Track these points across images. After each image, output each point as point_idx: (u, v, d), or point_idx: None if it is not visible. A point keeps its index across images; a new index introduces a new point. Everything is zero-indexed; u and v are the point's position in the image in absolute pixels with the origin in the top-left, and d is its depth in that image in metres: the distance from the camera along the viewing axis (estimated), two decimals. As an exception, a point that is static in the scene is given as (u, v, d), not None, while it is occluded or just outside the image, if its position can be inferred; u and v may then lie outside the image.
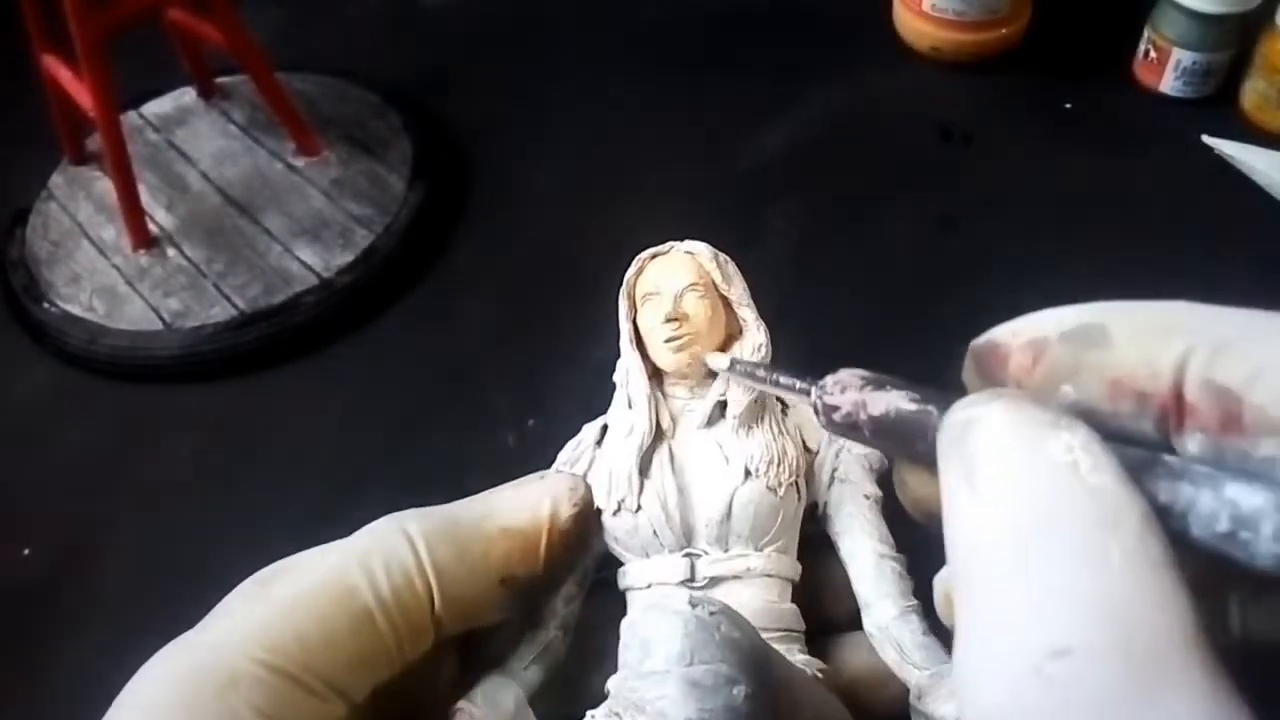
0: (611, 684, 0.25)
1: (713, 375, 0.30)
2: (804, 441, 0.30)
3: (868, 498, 0.30)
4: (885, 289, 0.73)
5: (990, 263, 0.73)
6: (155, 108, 0.92)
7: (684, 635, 0.22)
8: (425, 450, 0.67)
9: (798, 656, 0.27)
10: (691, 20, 0.97)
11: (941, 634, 0.27)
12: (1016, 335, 0.17)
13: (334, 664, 0.20)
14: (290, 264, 0.77)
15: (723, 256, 0.31)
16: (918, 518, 0.19)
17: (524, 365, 0.70)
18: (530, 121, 0.89)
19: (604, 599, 0.29)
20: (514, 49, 0.97)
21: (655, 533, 0.28)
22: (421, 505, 0.23)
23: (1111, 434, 0.15)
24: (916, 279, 0.73)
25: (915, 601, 0.28)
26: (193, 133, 0.90)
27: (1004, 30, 0.87)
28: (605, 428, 0.31)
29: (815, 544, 0.30)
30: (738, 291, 0.31)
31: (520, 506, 0.23)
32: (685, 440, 0.30)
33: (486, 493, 0.24)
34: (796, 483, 0.29)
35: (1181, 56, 0.80)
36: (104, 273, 0.79)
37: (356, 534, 0.22)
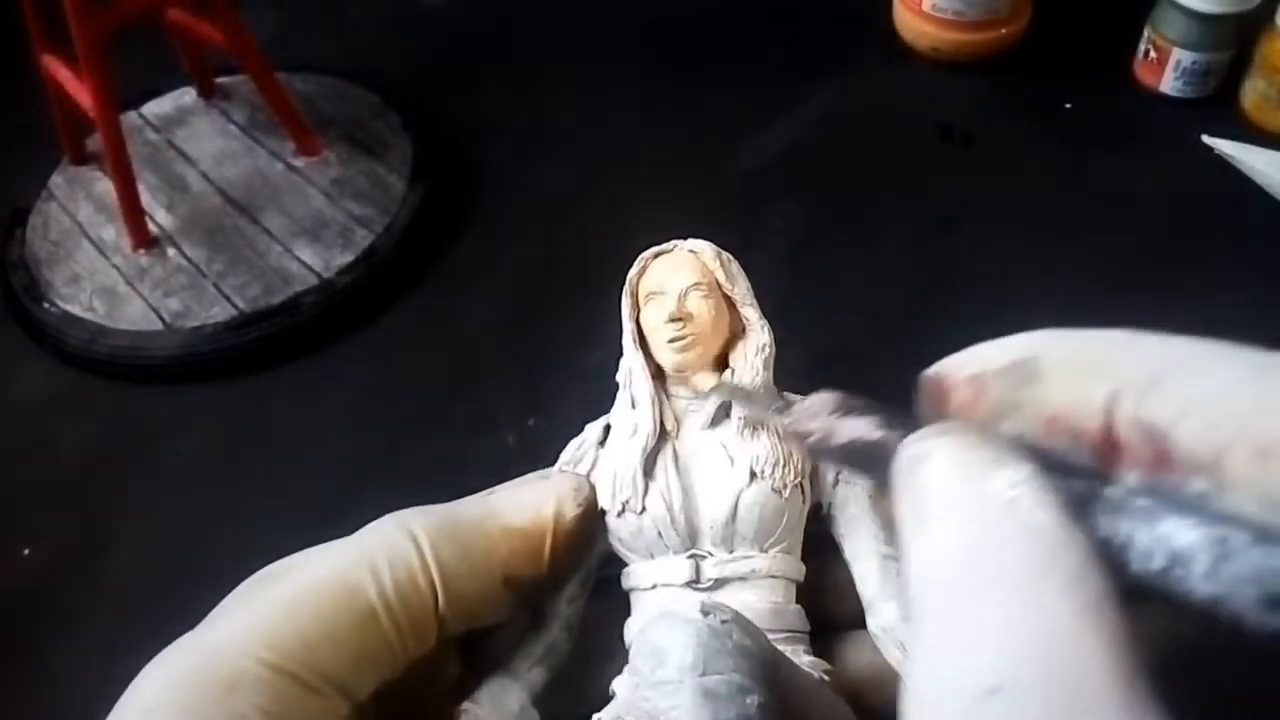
0: (617, 687, 0.25)
1: (716, 374, 0.30)
2: None
3: (872, 498, 0.30)
4: (885, 289, 0.73)
5: (990, 263, 0.73)
6: (155, 108, 0.92)
7: (697, 644, 0.22)
8: (425, 450, 0.67)
9: (804, 658, 0.27)
10: (691, 20, 0.97)
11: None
12: (960, 369, 0.17)
13: (338, 663, 0.19)
14: (290, 264, 0.77)
15: (726, 255, 0.31)
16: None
17: (524, 365, 0.70)
18: (530, 121, 0.89)
19: (607, 598, 0.29)
20: (514, 49, 0.97)
21: (660, 534, 0.28)
22: (422, 505, 0.23)
23: (1056, 465, 0.15)
24: (916, 279, 0.73)
25: None
26: (193, 133, 0.90)
27: (1004, 30, 0.87)
28: (608, 427, 0.31)
29: (819, 544, 0.30)
30: (741, 291, 0.31)
31: (524, 506, 0.23)
32: (689, 441, 0.30)
33: (490, 491, 0.24)
34: (801, 484, 0.29)
35: (1181, 56, 0.80)
36: (104, 273, 0.79)
37: (360, 533, 0.22)
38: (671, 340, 0.30)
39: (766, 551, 0.28)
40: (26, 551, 0.65)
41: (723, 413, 0.30)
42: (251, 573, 0.22)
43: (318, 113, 0.88)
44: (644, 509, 0.28)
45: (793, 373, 0.33)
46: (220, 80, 0.92)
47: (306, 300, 0.75)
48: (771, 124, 0.85)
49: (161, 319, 0.75)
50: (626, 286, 0.31)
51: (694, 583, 0.28)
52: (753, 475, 0.28)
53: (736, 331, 0.31)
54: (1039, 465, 0.15)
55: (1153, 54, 0.82)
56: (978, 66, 0.88)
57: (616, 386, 0.31)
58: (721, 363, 0.31)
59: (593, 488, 0.24)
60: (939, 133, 0.84)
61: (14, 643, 0.61)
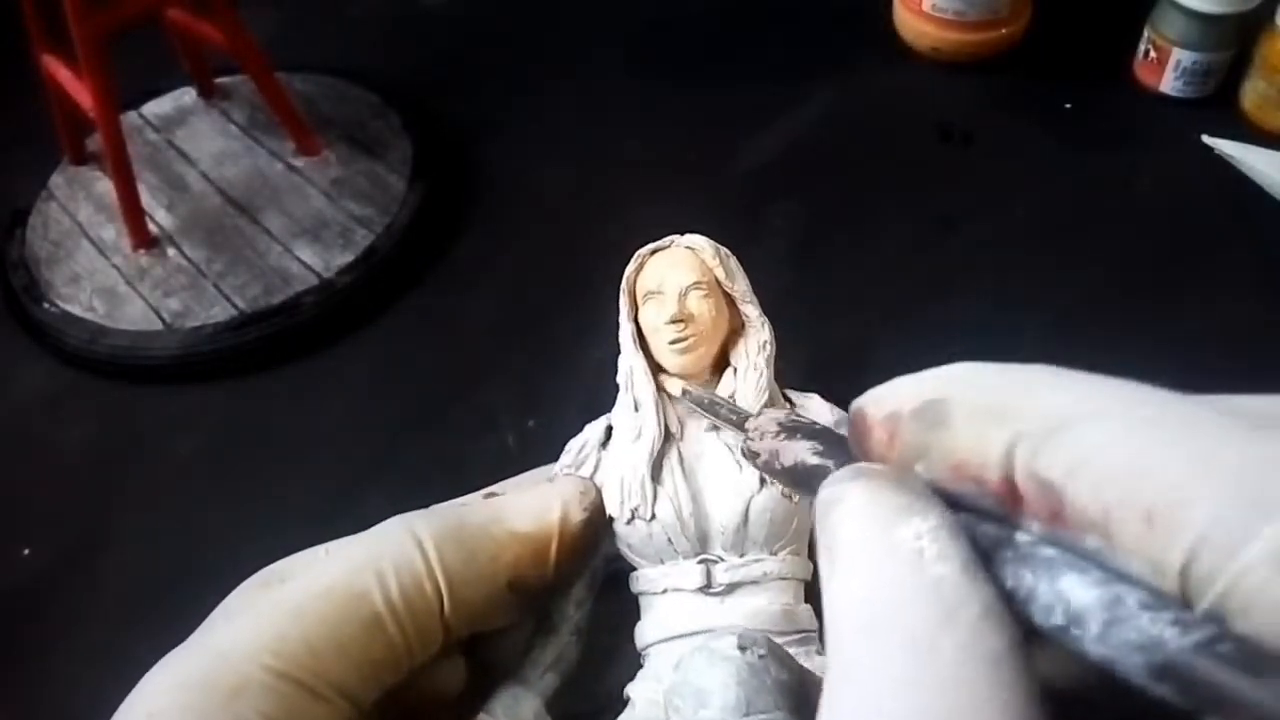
0: (632, 692, 0.25)
1: (718, 374, 0.30)
2: None
3: None
4: (885, 289, 0.73)
5: (990, 263, 0.73)
6: (155, 108, 0.92)
7: (738, 684, 0.22)
8: (425, 450, 0.67)
9: (815, 660, 0.27)
10: (691, 20, 0.97)
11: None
12: (879, 406, 0.17)
13: (343, 669, 0.19)
14: (290, 264, 0.77)
15: (724, 251, 0.31)
16: None
17: (524, 365, 0.70)
18: (530, 121, 0.89)
19: (613, 599, 0.29)
20: (514, 49, 0.97)
21: (670, 540, 0.28)
22: (422, 506, 0.23)
23: (970, 508, 0.15)
24: (916, 279, 0.73)
25: None
26: (193, 133, 0.90)
27: (1004, 30, 0.87)
28: (609, 429, 0.31)
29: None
30: (741, 287, 0.31)
31: (530, 510, 0.23)
32: (694, 443, 0.29)
33: (493, 489, 0.23)
34: None
35: (1181, 56, 0.80)
36: (104, 273, 0.79)
37: (364, 536, 0.22)
38: (673, 342, 0.29)
39: (776, 554, 0.28)
40: (26, 551, 0.65)
41: None
42: (251, 573, 0.22)
43: (318, 113, 0.88)
44: (653, 516, 0.28)
45: (793, 372, 0.33)
46: (220, 80, 0.92)
47: (306, 300, 0.75)
48: (771, 124, 0.85)
49: (161, 319, 0.75)
50: (624, 284, 0.31)
51: (706, 588, 0.28)
52: (763, 480, 0.28)
53: (736, 329, 0.31)
54: (951, 510, 0.15)
55: (1153, 54, 0.82)
56: (978, 66, 0.88)
57: (617, 388, 0.31)
58: (722, 362, 0.31)
59: (598, 491, 0.24)
60: (939, 133, 0.84)
61: (14, 643, 0.61)
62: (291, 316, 0.74)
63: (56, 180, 0.87)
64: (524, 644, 0.26)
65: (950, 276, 0.73)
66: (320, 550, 0.22)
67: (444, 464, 0.65)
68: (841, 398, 0.31)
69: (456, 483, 0.25)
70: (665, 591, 0.28)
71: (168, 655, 0.19)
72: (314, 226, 0.80)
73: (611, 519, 0.28)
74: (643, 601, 0.29)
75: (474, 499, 0.25)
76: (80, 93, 0.75)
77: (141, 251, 0.80)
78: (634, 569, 0.29)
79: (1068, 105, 0.85)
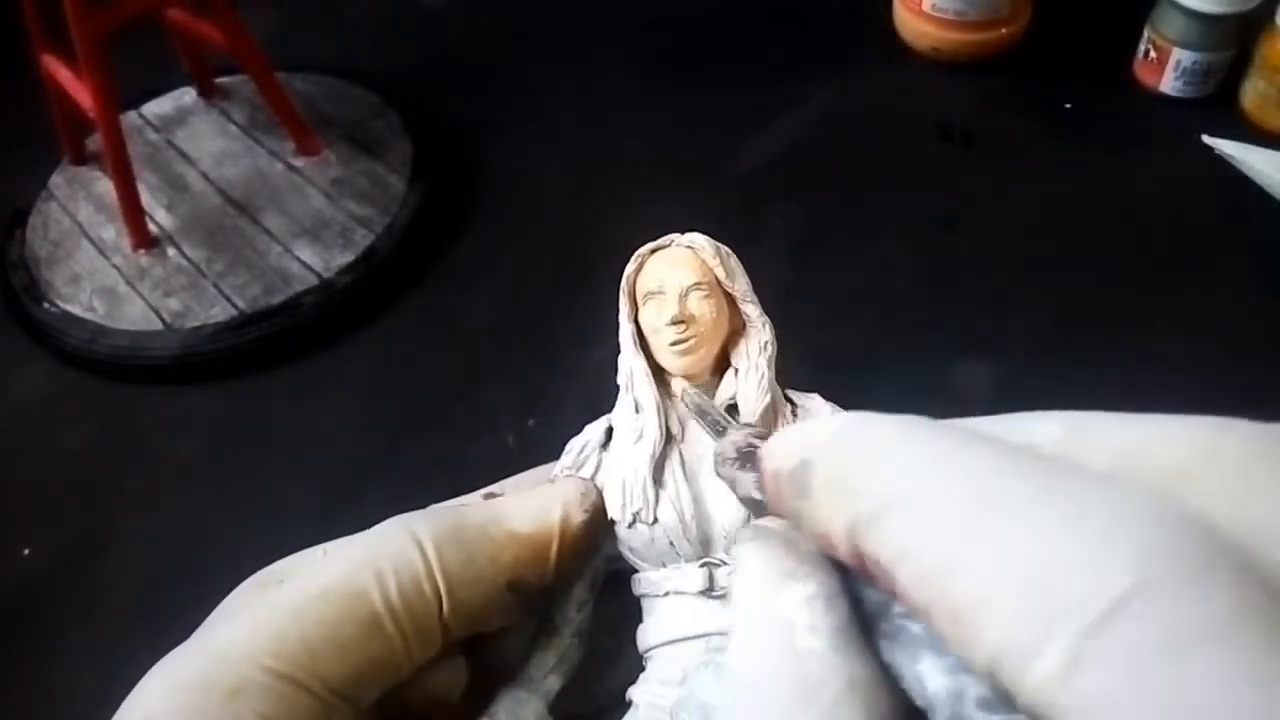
0: (634, 695, 0.25)
1: (719, 375, 0.30)
2: None
3: None
4: (885, 289, 0.73)
5: (990, 263, 0.73)
6: (155, 108, 0.92)
7: None
8: (425, 450, 0.67)
9: None
10: (691, 20, 0.97)
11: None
12: (771, 459, 0.16)
13: (342, 671, 0.19)
14: (290, 264, 0.77)
15: (725, 249, 0.31)
16: None
17: (524, 365, 0.70)
18: (530, 121, 0.89)
19: (614, 600, 0.29)
20: (514, 49, 0.97)
21: (672, 544, 0.28)
22: (422, 506, 0.23)
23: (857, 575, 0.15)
24: (916, 279, 0.73)
25: None
26: (193, 133, 0.90)
27: (1004, 30, 0.87)
28: (610, 429, 0.31)
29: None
30: (741, 287, 0.30)
31: (531, 511, 0.23)
32: (695, 444, 0.29)
33: (493, 489, 0.23)
34: None
35: (1181, 56, 0.80)
36: (104, 273, 0.79)
37: (364, 536, 0.22)
38: (674, 343, 0.29)
39: None
40: (26, 551, 0.65)
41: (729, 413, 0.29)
42: (251, 573, 0.22)
43: (318, 113, 0.88)
44: (655, 519, 0.28)
45: (793, 372, 0.32)
46: (220, 80, 0.92)
47: (306, 300, 0.75)
48: (771, 124, 0.85)
49: (161, 319, 0.75)
50: (623, 284, 0.31)
51: (708, 591, 0.28)
52: None
53: (737, 329, 0.31)
54: (836, 577, 0.15)
55: (1153, 54, 0.82)
56: (978, 66, 0.88)
57: (617, 388, 0.31)
58: (723, 362, 0.31)
59: (599, 492, 0.24)
60: (939, 133, 0.84)
61: (14, 643, 0.61)
62: (291, 316, 0.74)
63: (56, 180, 0.87)
64: (526, 646, 0.26)
65: (950, 276, 0.73)
66: (319, 550, 0.22)
67: (444, 464, 0.65)
68: (842, 398, 0.30)
69: (456, 483, 0.25)
70: (667, 594, 0.28)
71: (166, 656, 0.19)
72: (314, 226, 0.80)
73: (613, 522, 0.28)
74: (644, 604, 0.29)
75: (474, 499, 0.25)
76: (80, 93, 0.75)
77: (141, 251, 0.80)
78: (635, 570, 0.29)
79: (1068, 105, 0.85)
